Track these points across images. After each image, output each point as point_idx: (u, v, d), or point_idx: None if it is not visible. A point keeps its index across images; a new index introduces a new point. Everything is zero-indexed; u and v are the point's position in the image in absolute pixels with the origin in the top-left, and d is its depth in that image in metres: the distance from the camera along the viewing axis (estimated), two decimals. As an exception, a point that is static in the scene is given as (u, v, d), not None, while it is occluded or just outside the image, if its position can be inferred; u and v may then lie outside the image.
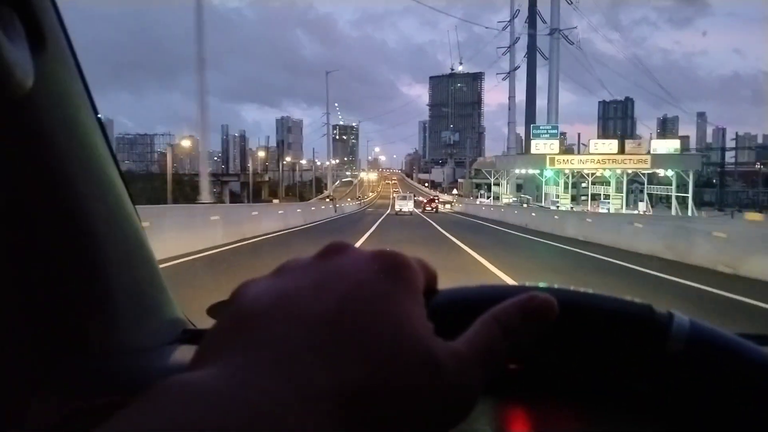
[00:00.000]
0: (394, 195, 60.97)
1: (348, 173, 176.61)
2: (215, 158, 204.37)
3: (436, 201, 54.39)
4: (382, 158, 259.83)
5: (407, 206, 38.75)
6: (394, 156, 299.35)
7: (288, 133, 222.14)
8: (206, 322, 0.70)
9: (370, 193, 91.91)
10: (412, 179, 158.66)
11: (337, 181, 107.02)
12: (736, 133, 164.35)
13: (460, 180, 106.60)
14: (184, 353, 0.64)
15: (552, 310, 0.29)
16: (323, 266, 0.27)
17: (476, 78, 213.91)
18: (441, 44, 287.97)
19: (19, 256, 0.53)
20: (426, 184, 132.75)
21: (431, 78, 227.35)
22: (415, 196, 57.74)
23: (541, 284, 0.35)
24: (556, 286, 0.34)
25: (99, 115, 0.59)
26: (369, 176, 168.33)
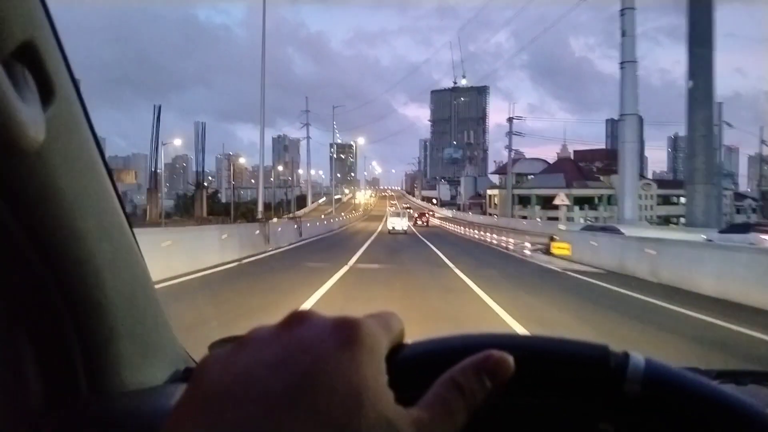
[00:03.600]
0: (390, 209, 50.55)
1: (347, 191, 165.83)
2: (210, 178, 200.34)
3: (427, 215, 55.89)
4: (378, 171, 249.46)
5: (401, 224, 35.17)
6: (393, 171, 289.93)
7: (285, 151, 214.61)
8: None
9: (353, 212, 75.55)
10: (414, 196, 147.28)
11: (323, 198, 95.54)
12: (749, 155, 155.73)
13: (491, 192, 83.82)
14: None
15: (508, 367, 0.29)
16: (285, 338, 0.27)
17: (481, 92, 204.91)
18: (436, 63, 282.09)
19: (26, 299, 0.53)
20: (434, 201, 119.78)
21: (432, 92, 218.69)
22: (415, 213, 57.11)
23: (501, 332, 0.35)
24: (515, 333, 0.30)
25: (104, 156, 0.60)
26: (365, 194, 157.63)
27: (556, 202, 33.49)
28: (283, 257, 14.70)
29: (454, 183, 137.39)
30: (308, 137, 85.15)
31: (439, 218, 70.29)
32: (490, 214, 73.82)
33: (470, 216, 70.39)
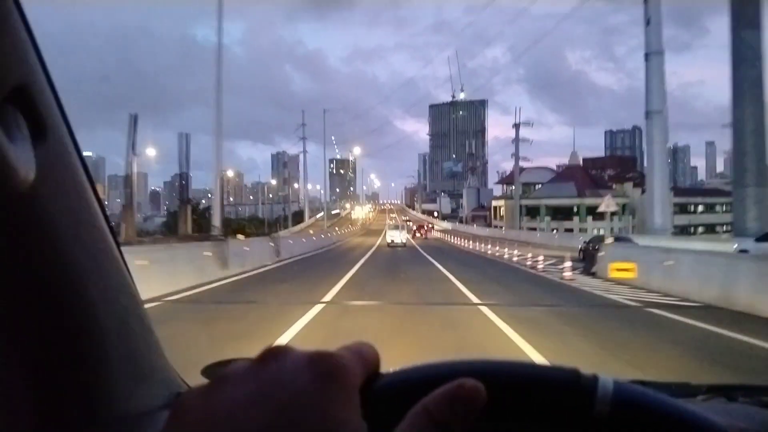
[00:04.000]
0: (390, 222, 47.90)
1: (347, 206, 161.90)
2: (209, 195, 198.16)
3: (426, 227, 57.55)
4: (377, 185, 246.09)
5: (400, 237, 34.87)
6: (392, 185, 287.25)
7: (284, 168, 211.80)
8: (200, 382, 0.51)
9: (350, 227, 68.73)
10: (414, 210, 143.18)
11: (321, 213, 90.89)
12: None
13: (496, 203, 78.74)
14: None
15: (480, 396, 0.29)
16: (260, 375, 0.28)
17: (480, 105, 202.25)
18: (433, 79, 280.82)
19: (17, 326, 0.53)
20: (434, 214, 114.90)
21: (431, 107, 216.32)
22: (414, 226, 57.45)
23: (473, 359, 0.36)
24: (488, 359, 0.35)
25: (95, 186, 0.61)
26: (365, 208, 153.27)
27: (602, 209, 28.40)
28: (226, 292, 10.24)
29: (455, 196, 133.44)
30: (304, 151, 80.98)
31: (440, 231, 66.51)
32: (496, 227, 69.05)
33: (474, 228, 66.35)
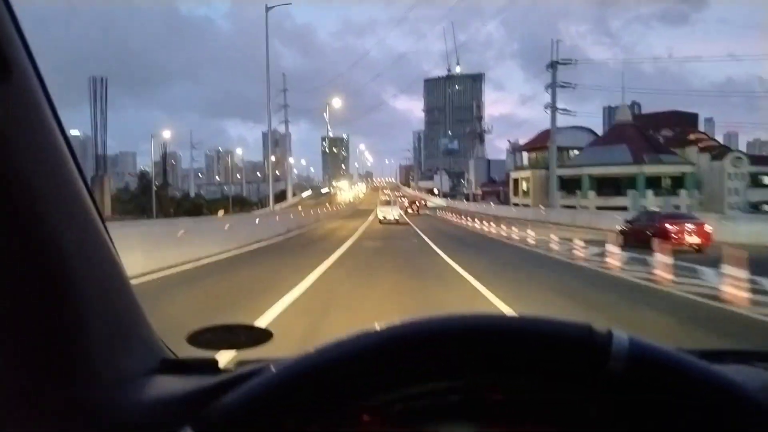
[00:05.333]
0: (382, 198, 41.35)
1: (338, 185, 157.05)
2: (199, 174, 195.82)
3: (417, 203, 54.15)
4: (370, 162, 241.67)
5: (392, 213, 32.03)
6: (387, 162, 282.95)
7: (275, 146, 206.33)
8: (185, 349, 0.75)
9: (334, 207, 58.60)
10: (409, 188, 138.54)
11: (308, 192, 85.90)
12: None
13: (517, 175, 60.11)
14: (163, 384, 0.63)
15: None
16: None
17: (476, 80, 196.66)
18: (426, 54, 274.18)
19: None
20: (435, 191, 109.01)
21: (426, 81, 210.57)
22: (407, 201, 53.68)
23: (484, 313, 0.35)
24: (499, 313, 0.29)
25: (67, 136, 0.58)
26: (358, 187, 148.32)
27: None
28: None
29: (453, 174, 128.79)
30: (287, 131, 75.56)
31: (443, 210, 56.31)
32: (516, 204, 53.14)
33: (492, 208, 51.85)
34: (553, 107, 43.85)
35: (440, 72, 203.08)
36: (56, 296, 0.55)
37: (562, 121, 47.22)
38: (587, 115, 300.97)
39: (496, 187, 78.94)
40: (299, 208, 46.60)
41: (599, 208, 39.19)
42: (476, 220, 29.90)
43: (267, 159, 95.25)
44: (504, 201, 64.02)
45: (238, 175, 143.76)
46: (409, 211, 47.29)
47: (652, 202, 39.99)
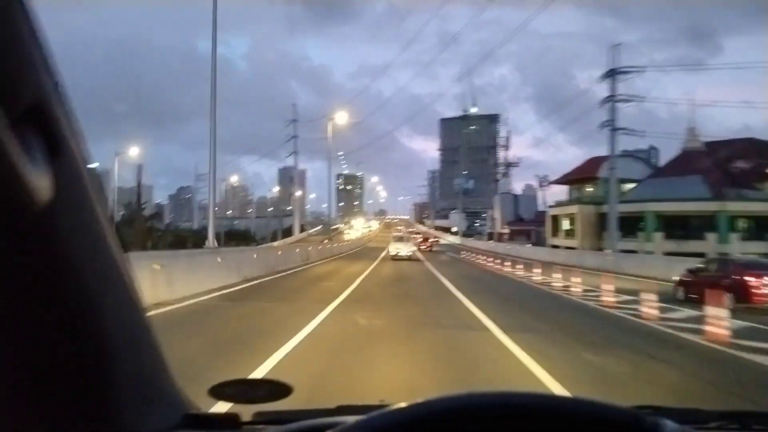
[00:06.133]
0: (395, 234, 39.41)
1: (350, 221, 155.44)
2: (215, 209, 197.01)
3: (430, 240, 53.68)
4: (383, 197, 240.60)
5: (406, 249, 31.28)
6: (400, 199, 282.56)
7: (290, 182, 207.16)
8: (208, 403, 0.74)
9: (338, 243, 52.30)
10: (424, 226, 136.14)
11: (318, 227, 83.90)
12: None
13: (556, 212, 51.83)
14: None
15: None
16: None
17: (492, 120, 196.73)
18: (440, 96, 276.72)
19: (29, 345, 0.52)
20: (452, 231, 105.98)
21: (442, 120, 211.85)
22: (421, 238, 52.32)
23: (531, 392, 0.35)
24: (546, 392, 0.36)
25: (113, 216, 0.71)
26: (370, 223, 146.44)
27: None
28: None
29: (472, 214, 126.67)
30: (296, 164, 73.57)
31: (466, 250, 49.29)
32: (556, 246, 44.46)
33: (527, 249, 44.00)
34: (612, 126, 34.99)
35: (454, 113, 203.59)
36: (86, 350, 0.55)
37: (598, 149, 42.33)
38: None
39: (526, 226, 71.26)
40: (284, 245, 43.43)
41: (668, 253, 30.81)
42: (513, 265, 24.47)
43: (286, 196, 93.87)
44: (537, 241, 57.20)
45: (249, 210, 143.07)
46: (422, 247, 46.22)
47: (737, 248, 31.95)
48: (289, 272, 21.69)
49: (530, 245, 51.78)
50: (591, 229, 43.76)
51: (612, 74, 34.82)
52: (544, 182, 72.60)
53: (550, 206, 57.28)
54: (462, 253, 46.25)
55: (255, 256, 20.75)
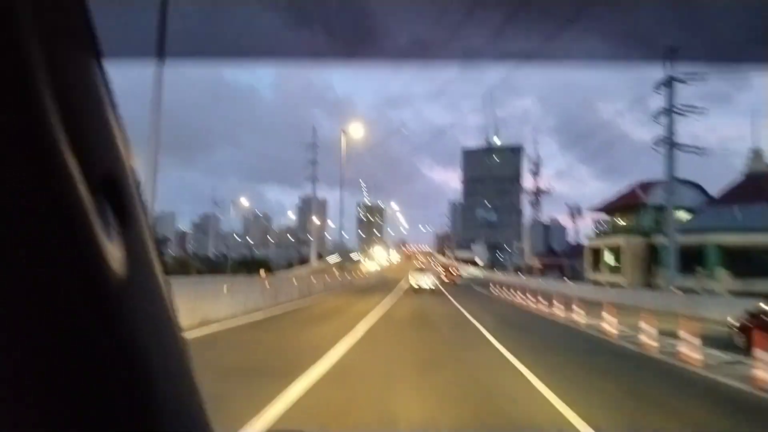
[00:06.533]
0: (418, 266, 38.85)
1: (369, 250, 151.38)
2: (235, 236, 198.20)
3: (452, 271, 52.27)
4: (405, 229, 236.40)
5: (426, 281, 30.67)
6: (421, 228, 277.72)
7: (310, 211, 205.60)
8: None
9: (351, 275, 46.44)
10: (443, 257, 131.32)
11: (334, 256, 79.40)
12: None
13: (595, 244, 47.34)
14: None
15: None
16: None
17: (515, 152, 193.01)
18: (461, 127, 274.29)
19: (62, 375, 0.50)
20: (477, 262, 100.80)
21: (465, 152, 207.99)
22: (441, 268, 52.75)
23: None
24: None
25: (170, 291, 0.61)
26: (391, 255, 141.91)
27: None
28: None
29: (492, 246, 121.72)
30: (314, 190, 70.57)
31: (495, 285, 41.47)
32: (596, 282, 39.89)
33: (569, 286, 37.91)
34: (670, 141, 30.49)
35: (476, 145, 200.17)
36: (125, 387, 0.53)
37: (647, 171, 37.44)
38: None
39: (558, 259, 65.96)
40: (294, 275, 38.59)
41: (734, 293, 25.82)
42: (564, 304, 19.08)
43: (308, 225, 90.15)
44: (572, 275, 51.71)
45: (270, 238, 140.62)
46: (445, 279, 46.10)
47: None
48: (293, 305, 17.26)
49: (565, 280, 46.76)
50: (640, 263, 38.63)
51: (670, 82, 30.20)
52: (576, 212, 68.16)
53: (590, 238, 51.00)
54: (491, 288, 39.88)
55: (225, 289, 15.43)
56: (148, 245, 0.55)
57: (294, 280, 25.20)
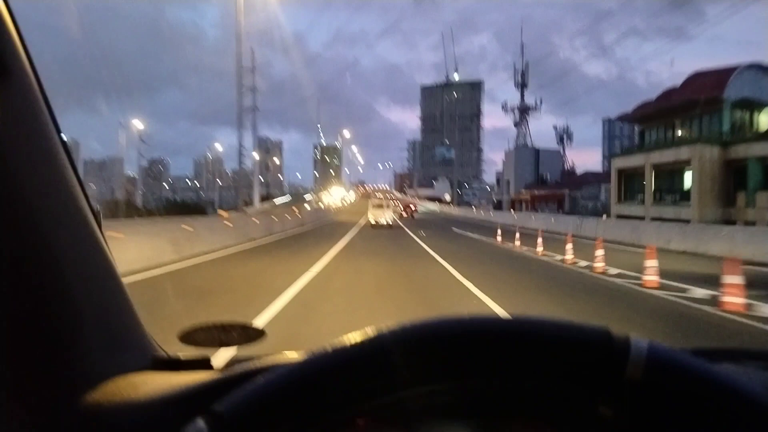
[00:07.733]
0: (376, 202, 35.20)
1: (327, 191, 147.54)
2: (187, 180, 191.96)
3: (411, 207, 53.77)
4: (363, 170, 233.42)
5: (385, 217, 29.36)
6: (380, 167, 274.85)
7: (267, 154, 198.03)
8: (175, 347, 0.73)
9: (288, 215, 37.23)
10: (404, 195, 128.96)
11: (284, 197, 75.16)
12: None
13: (633, 164, 30.93)
14: (158, 382, 0.61)
15: None
16: None
17: (475, 87, 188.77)
18: (418, 65, 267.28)
19: None
20: (445, 199, 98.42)
21: (423, 88, 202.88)
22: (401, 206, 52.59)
23: (497, 316, 0.34)
24: (516, 315, 0.32)
25: (64, 139, 0.59)
26: (347, 194, 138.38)
27: None
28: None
29: (455, 184, 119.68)
30: (254, 134, 64.93)
31: (480, 228, 29.04)
32: (626, 217, 27.20)
33: (597, 224, 22.50)
34: None
35: (433, 81, 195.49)
36: (49, 295, 0.54)
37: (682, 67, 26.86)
38: (583, 127, 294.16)
39: (554, 190, 53.43)
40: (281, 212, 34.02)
41: None
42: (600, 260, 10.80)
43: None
44: (572, 209, 42.83)
45: (219, 181, 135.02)
46: (404, 215, 47.91)
47: None
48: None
49: (574, 216, 30.73)
50: (715, 188, 25.69)
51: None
52: (566, 136, 59.34)
53: (616, 156, 35.91)
54: (456, 228, 29.99)
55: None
56: (35, 96, 0.51)
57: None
